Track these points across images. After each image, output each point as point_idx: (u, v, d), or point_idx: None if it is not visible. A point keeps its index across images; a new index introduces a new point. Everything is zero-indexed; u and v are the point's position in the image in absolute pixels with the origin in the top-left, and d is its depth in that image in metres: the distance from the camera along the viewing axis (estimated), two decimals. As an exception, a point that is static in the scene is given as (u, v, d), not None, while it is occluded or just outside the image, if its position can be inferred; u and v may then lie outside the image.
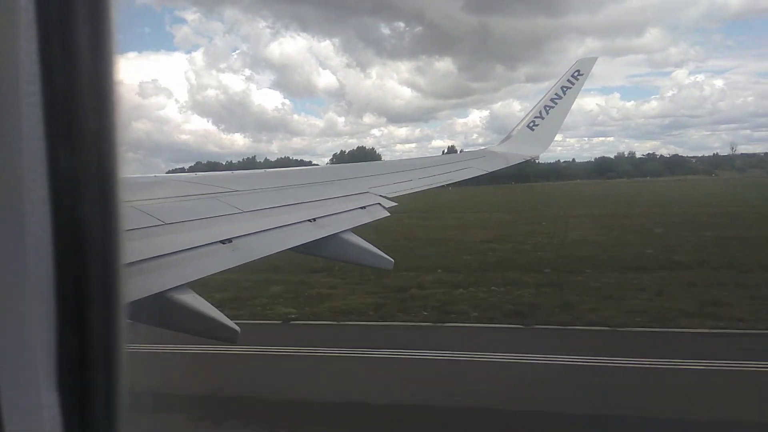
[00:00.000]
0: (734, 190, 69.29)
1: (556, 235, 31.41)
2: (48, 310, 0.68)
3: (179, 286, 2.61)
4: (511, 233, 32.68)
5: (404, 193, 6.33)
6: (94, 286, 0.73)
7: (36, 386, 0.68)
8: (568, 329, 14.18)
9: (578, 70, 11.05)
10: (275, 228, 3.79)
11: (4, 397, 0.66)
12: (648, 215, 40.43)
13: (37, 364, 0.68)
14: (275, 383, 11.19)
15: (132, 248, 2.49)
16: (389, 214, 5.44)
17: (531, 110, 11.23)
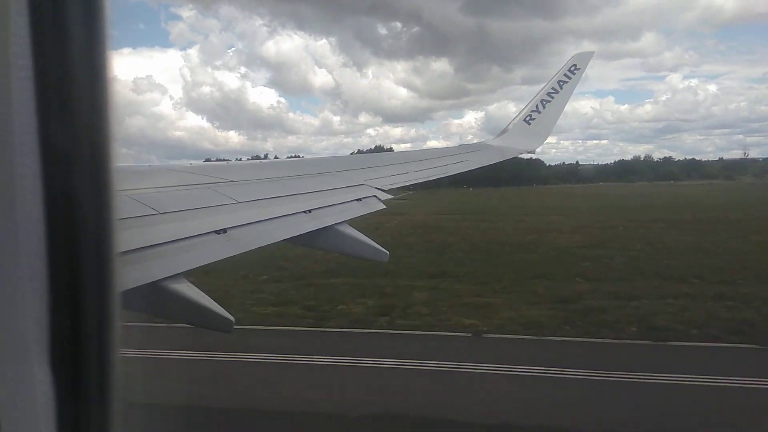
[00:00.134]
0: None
1: (652, 242, 29.59)
2: (41, 290, 0.69)
3: (174, 275, 2.61)
4: (603, 238, 31.08)
5: (400, 185, 6.34)
6: (87, 267, 0.74)
7: (29, 363, 0.69)
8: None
9: (575, 65, 11.04)
10: (270, 219, 3.79)
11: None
12: (722, 221, 38.01)
13: (29, 342, 0.69)
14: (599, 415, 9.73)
15: (126, 237, 2.49)
16: (385, 207, 5.44)
17: (527, 104, 11.22)
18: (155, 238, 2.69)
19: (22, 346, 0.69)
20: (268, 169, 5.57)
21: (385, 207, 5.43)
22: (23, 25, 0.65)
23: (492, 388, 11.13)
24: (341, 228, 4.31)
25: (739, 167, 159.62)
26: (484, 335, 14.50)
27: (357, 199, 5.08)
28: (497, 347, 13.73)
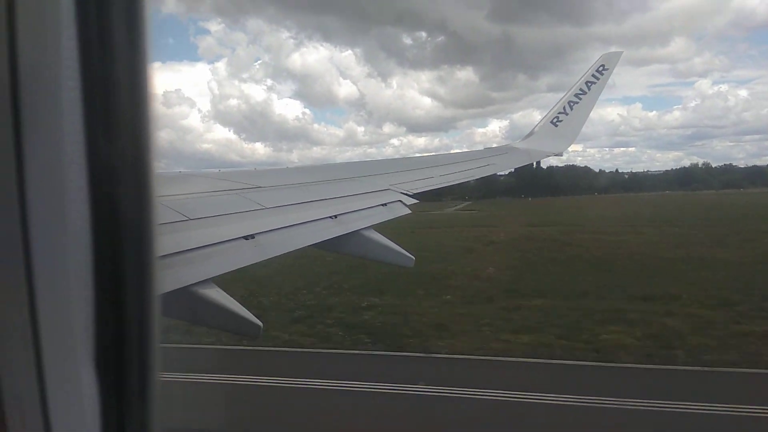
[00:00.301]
0: None
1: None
2: (87, 296, 0.73)
3: (203, 280, 2.64)
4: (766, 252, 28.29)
5: (426, 189, 6.31)
6: (129, 273, 0.77)
7: (76, 365, 0.73)
8: None
9: (603, 65, 10.83)
10: (297, 224, 3.82)
11: (48, 375, 0.70)
12: None
13: (77, 345, 0.73)
14: None
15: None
16: (410, 212, 5.43)
17: (555, 106, 11.06)
18: (185, 244, 2.73)
19: (70, 348, 0.73)
20: (295, 174, 5.61)
21: (410, 212, 5.42)
22: (72, 48, 0.69)
23: None
24: (367, 233, 4.32)
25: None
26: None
27: (382, 204, 5.08)
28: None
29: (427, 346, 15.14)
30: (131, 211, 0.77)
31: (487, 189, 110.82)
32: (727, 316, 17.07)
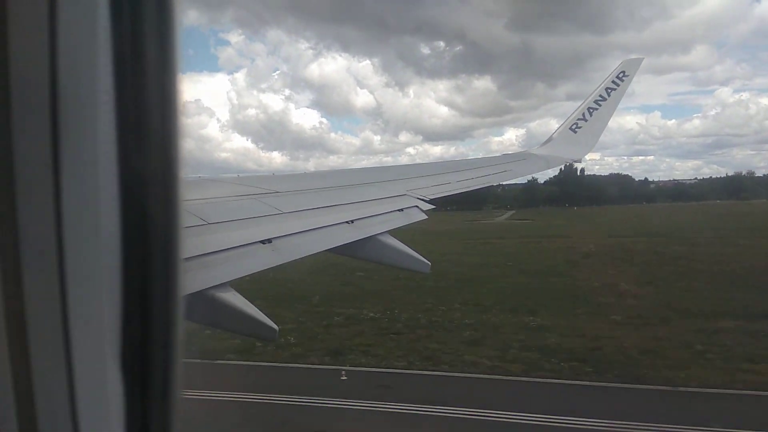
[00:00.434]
0: None
1: None
2: (115, 294, 0.76)
3: (221, 284, 2.67)
4: None
5: (443, 195, 6.30)
6: (155, 276, 0.81)
7: (103, 364, 0.77)
8: None
9: (623, 71, 10.71)
10: (314, 229, 3.84)
11: (77, 370, 0.74)
12: None
13: (104, 342, 0.76)
14: None
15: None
16: (426, 217, 5.43)
17: (573, 112, 10.96)
18: (203, 248, 2.77)
19: (98, 346, 0.76)
20: (312, 180, 5.65)
21: (426, 217, 5.41)
22: (108, 60, 0.74)
23: None
24: (383, 238, 4.33)
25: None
26: None
27: (399, 210, 5.09)
28: None
29: (669, 377, 13.88)
30: (159, 215, 0.81)
31: (527, 198, 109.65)
32: None
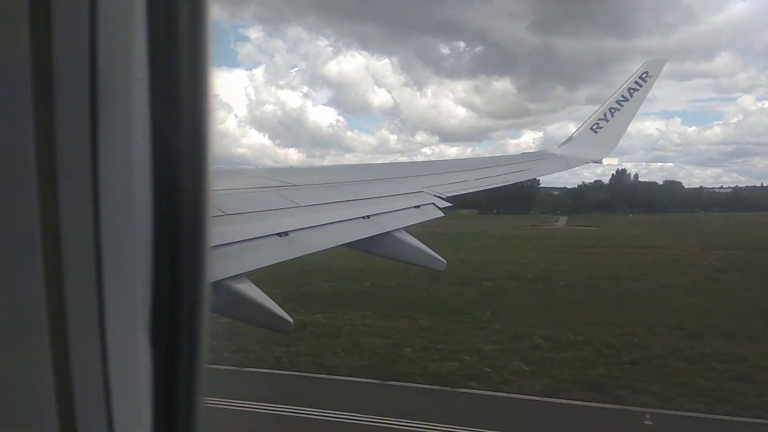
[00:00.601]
0: None
1: None
2: (147, 274, 0.82)
3: (237, 275, 2.70)
4: None
5: (461, 192, 6.27)
6: (184, 253, 0.87)
7: (134, 338, 0.82)
8: None
9: (646, 72, 10.53)
10: (330, 223, 3.85)
11: (110, 345, 0.80)
12: None
13: (136, 320, 0.82)
14: None
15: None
16: (443, 214, 5.41)
17: (595, 112, 10.82)
18: (220, 238, 2.79)
19: (130, 322, 0.82)
20: (329, 174, 5.67)
21: (443, 215, 5.40)
22: (143, 53, 0.79)
23: None
24: (399, 234, 4.32)
25: None
26: None
27: (415, 206, 5.08)
28: None
29: None
30: (188, 200, 0.86)
31: (576, 203, 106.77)
32: None
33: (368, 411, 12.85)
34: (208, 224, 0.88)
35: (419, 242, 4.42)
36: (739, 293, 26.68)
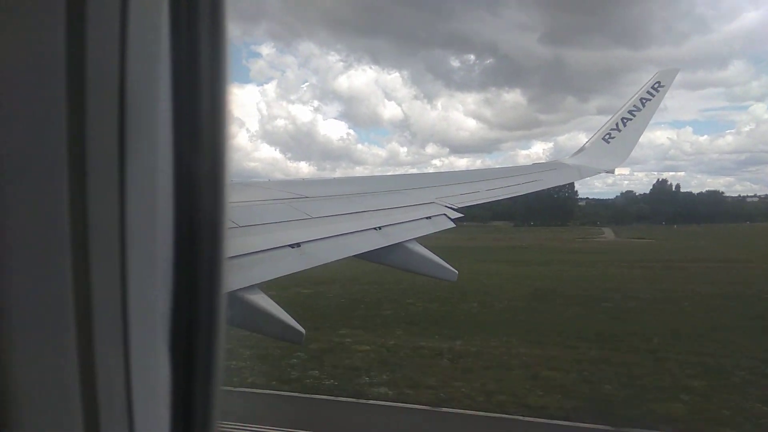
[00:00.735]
0: None
1: None
2: (167, 284, 0.86)
3: (249, 286, 2.72)
4: None
5: (472, 203, 6.27)
6: (202, 267, 0.90)
7: (154, 346, 0.85)
8: None
9: (659, 82, 10.49)
10: (342, 234, 3.87)
11: (133, 356, 0.82)
12: None
13: (156, 328, 0.85)
14: None
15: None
16: (454, 225, 5.41)
17: (607, 122, 10.78)
18: (233, 250, 2.82)
19: (151, 335, 0.85)
20: (341, 185, 5.70)
21: (454, 225, 5.39)
22: (166, 73, 0.83)
23: None
24: (410, 246, 4.33)
25: None
26: None
27: (426, 217, 5.08)
28: None
29: None
30: (207, 214, 0.90)
31: (616, 214, 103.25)
32: None
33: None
34: (225, 238, 0.92)
35: (431, 253, 4.43)
36: None
